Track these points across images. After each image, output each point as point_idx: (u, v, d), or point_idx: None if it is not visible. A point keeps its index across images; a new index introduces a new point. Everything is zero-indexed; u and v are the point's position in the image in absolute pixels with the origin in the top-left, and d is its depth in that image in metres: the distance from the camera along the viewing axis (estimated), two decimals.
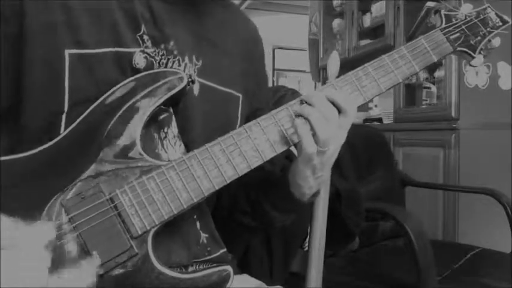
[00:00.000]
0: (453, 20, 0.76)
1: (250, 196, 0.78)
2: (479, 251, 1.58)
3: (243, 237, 0.98)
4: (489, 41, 0.77)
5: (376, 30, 3.02)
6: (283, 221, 0.80)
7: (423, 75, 2.50)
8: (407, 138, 2.45)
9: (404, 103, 2.57)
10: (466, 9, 0.77)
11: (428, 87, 2.51)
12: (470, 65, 0.78)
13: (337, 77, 0.70)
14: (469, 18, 0.77)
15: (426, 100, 2.52)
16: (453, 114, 2.16)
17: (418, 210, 2.11)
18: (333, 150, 0.67)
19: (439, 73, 2.39)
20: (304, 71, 4.64)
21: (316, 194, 0.74)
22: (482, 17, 0.77)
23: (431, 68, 2.44)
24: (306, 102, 0.66)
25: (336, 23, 3.49)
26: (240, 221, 0.80)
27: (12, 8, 0.56)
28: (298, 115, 0.65)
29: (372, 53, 2.86)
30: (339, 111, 0.66)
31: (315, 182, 0.70)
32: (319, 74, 3.76)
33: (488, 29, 0.77)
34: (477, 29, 0.77)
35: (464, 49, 0.76)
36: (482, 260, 1.52)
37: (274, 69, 6.24)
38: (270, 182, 0.76)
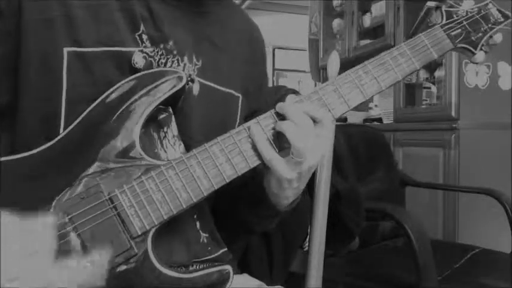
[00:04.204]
0: (454, 16, 0.75)
1: (230, 199, 0.76)
2: (479, 251, 1.57)
3: (241, 236, 0.97)
4: (490, 37, 0.76)
5: (376, 30, 3.02)
6: (263, 227, 0.78)
7: (423, 75, 2.50)
8: (407, 138, 2.44)
9: (404, 103, 2.56)
10: (467, 5, 0.76)
11: (428, 87, 2.51)
12: (471, 62, 0.78)
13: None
14: (470, 14, 0.75)
15: (426, 100, 2.52)
16: (453, 114, 2.16)
17: (418, 210, 2.11)
18: (312, 161, 0.63)
19: (439, 73, 2.39)
20: (304, 71, 4.64)
21: (293, 203, 0.71)
22: (483, 12, 0.76)
23: (431, 68, 2.44)
24: (280, 114, 0.64)
25: (336, 23, 3.49)
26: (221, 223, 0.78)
27: (9, 5, 0.56)
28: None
29: (372, 53, 2.84)
30: (314, 121, 0.63)
31: (291, 192, 0.67)
32: (319, 74, 3.76)
33: (489, 25, 0.76)
34: (478, 25, 0.75)
35: (465, 45, 0.75)
36: (482, 260, 1.52)
37: (274, 69, 6.24)
38: (248, 189, 0.73)
